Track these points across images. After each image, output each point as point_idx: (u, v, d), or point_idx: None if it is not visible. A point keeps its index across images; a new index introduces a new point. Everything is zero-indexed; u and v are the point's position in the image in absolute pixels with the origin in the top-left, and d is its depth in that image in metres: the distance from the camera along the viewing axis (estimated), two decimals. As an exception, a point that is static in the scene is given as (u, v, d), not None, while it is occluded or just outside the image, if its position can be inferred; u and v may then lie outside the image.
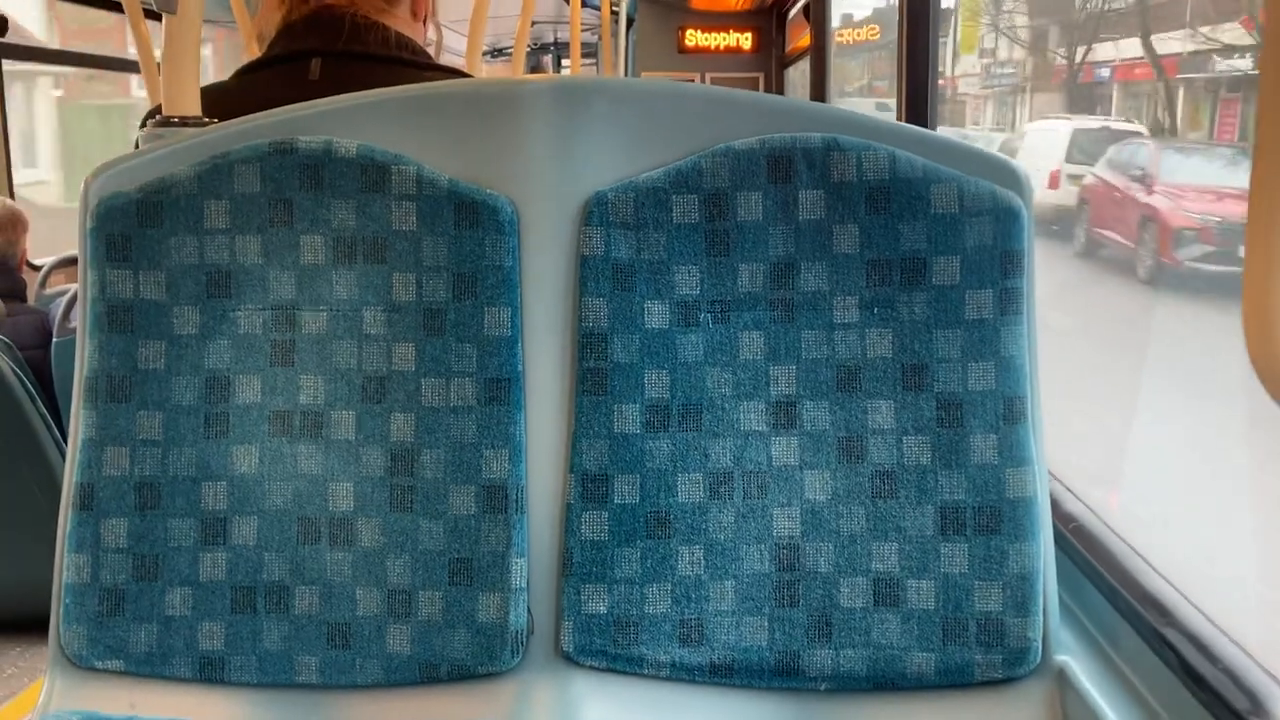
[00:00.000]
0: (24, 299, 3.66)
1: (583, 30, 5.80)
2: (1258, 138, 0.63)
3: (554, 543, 1.08)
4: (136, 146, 1.24)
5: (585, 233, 1.07)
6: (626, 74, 7.16)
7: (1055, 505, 1.30)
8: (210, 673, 1.09)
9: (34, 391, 2.78)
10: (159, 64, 1.30)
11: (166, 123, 1.19)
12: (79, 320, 1.10)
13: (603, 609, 1.07)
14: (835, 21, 4.92)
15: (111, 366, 1.08)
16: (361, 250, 1.08)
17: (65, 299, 3.20)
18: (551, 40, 10.33)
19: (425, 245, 1.07)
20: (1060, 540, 1.26)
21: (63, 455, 2.81)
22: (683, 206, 1.07)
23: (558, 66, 11.10)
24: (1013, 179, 1.07)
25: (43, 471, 2.78)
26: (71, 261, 4.50)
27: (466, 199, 1.06)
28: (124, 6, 3.34)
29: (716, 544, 1.07)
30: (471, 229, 1.06)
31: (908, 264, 1.06)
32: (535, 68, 11.01)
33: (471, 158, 1.08)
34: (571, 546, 1.07)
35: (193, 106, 1.21)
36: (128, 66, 4.95)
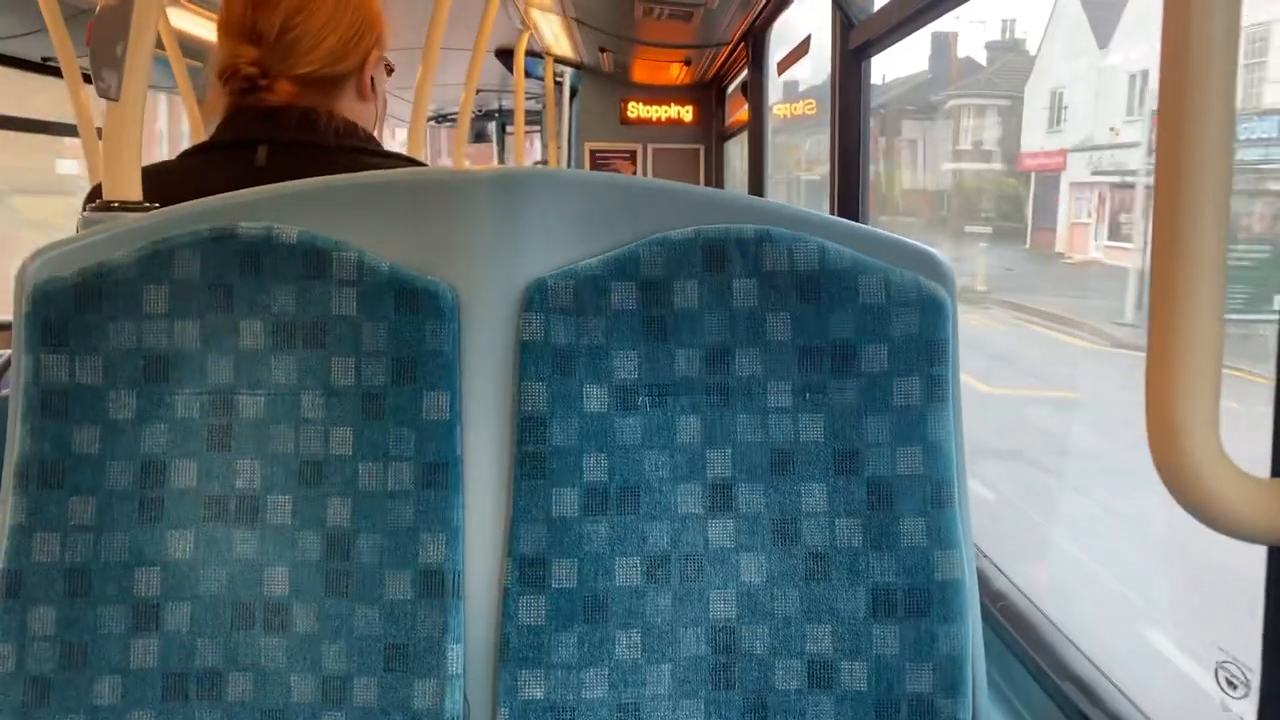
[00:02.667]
0: (-49, 365, 3.58)
1: (527, 99, 5.88)
2: (1153, 241, 0.66)
3: (490, 628, 1.08)
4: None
5: (525, 318, 1.08)
6: (570, 143, 7.25)
7: (985, 584, 1.33)
8: None
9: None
10: (98, 129, 1.30)
11: (106, 207, 1.20)
12: (11, 406, 1.09)
13: (539, 694, 1.07)
14: (777, 94, 5.05)
15: (44, 452, 1.07)
16: (301, 335, 1.09)
17: None
18: (496, 108, 10.42)
19: (365, 330, 1.08)
20: (989, 619, 1.28)
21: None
22: (621, 293, 1.09)
23: (502, 133, 11.19)
24: (937, 271, 1.11)
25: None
26: (5, 327, 4.41)
27: (407, 285, 1.08)
28: (64, 73, 3.32)
29: (654, 627, 1.08)
30: (412, 314, 1.08)
31: (838, 351, 1.10)
32: (480, 134, 11.08)
33: (413, 245, 1.09)
34: (508, 632, 1.07)
35: (134, 191, 1.22)
36: (66, 131, 4.91)
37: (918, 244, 1.12)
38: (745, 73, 4.87)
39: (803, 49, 4.07)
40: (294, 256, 1.08)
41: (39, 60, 4.46)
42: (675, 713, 1.08)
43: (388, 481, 1.08)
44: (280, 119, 1.46)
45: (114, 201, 1.20)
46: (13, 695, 1.05)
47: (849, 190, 2.35)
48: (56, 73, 4.28)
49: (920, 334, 1.09)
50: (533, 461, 1.08)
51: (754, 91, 4.69)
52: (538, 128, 9.83)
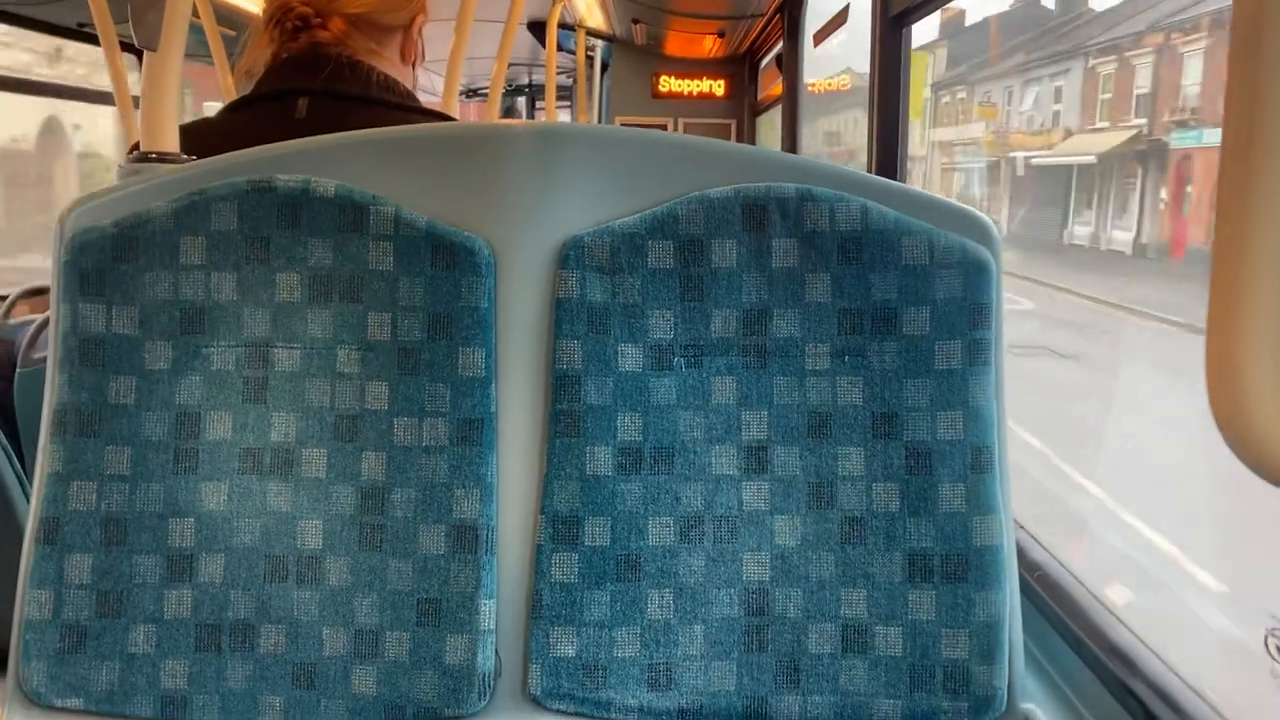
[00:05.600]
0: (-13, 329, 3.62)
1: (558, 74, 5.85)
2: (1218, 188, 0.64)
3: (523, 584, 1.08)
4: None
5: (561, 275, 1.08)
6: (600, 118, 7.22)
7: (1021, 554, 1.32)
8: (172, 712, 1.07)
9: (-6, 423, 2.73)
10: (135, 98, 1.30)
11: (144, 158, 1.19)
12: (50, 353, 1.09)
13: (571, 652, 1.07)
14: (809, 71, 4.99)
15: (81, 401, 1.07)
16: (337, 289, 1.08)
17: (31, 329, 3.17)
18: (527, 82, 10.39)
19: (401, 285, 1.08)
20: (1026, 589, 1.27)
21: (23, 487, 2.76)
22: (658, 252, 1.08)
23: (532, 108, 11.15)
24: (983, 233, 1.09)
25: (1, 505, 2.72)
26: (37, 292, 4.44)
27: (444, 240, 1.07)
28: (100, 39, 3.33)
29: (686, 588, 1.07)
30: (448, 270, 1.07)
31: (879, 313, 1.08)
32: (510, 109, 11.04)
33: (450, 200, 1.08)
34: (541, 588, 1.07)
35: (171, 143, 1.22)
36: (102, 99, 4.94)
37: (963, 205, 1.10)
38: (780, 45, 4.82)
39: (840, 19, 4.02)
40: (331, 210, 1.07)
41: (75, 26, 4.48)
42: (707, 674, 1.07)
43: (422, 437, 1.07)
44: (324, 64, 1.47)
45: (151, 153, 1.20)
46: (49, 641, 1.06)
47: (888, 157, 2.36)
48: (92, 39, 4.29)
49: (964, 297, 1.07)
50: (567, 419, 1.07)
51: (789, 64, 4.64)
52: (567, 103, 9.79)
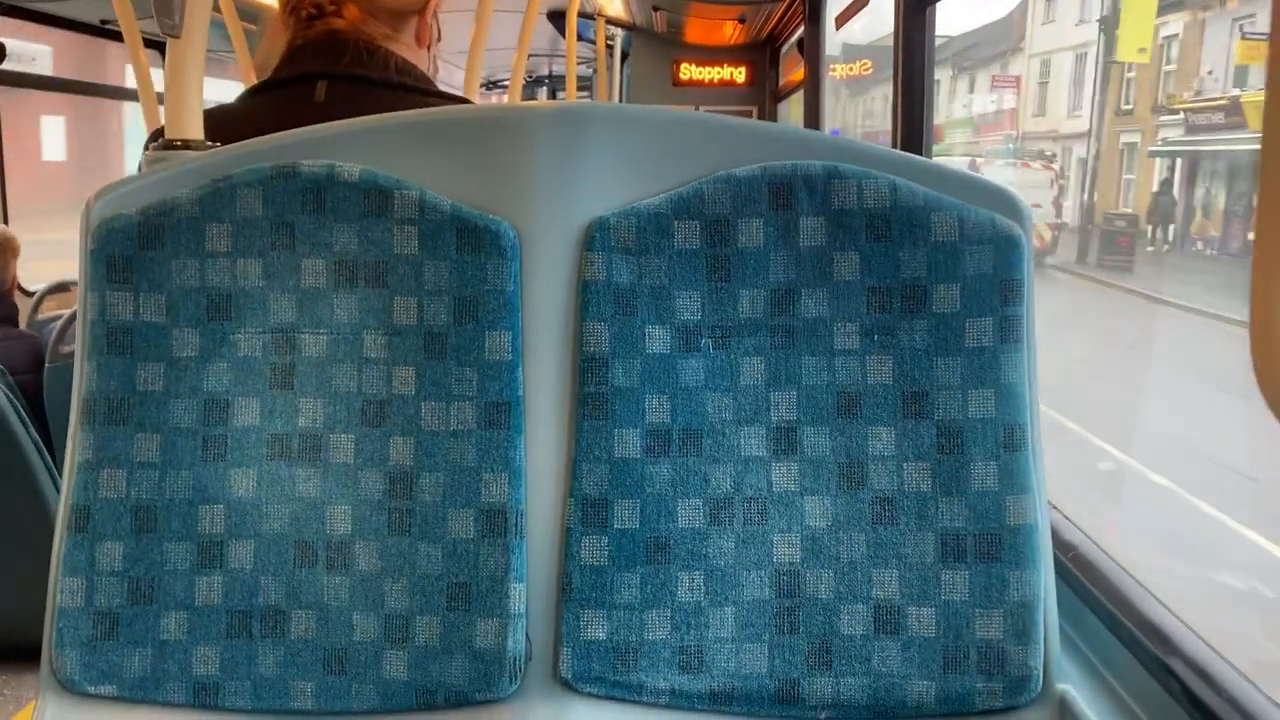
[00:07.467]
0: (15, 324, 3.66)
1: (578, 63, 5.85)
2: (1263, 144, 0.63)
3: (553, 568, 1.08)
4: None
5: (587, 257, 1.07)
6: None
7: (1055, 534, 1.30)
8: (204, 698, 1.07)
9: (26, 417, 2.77)
10: (159, 93, 1.31)
11: (169, 146, 1.20)
12: (78, 342, 1.09)
13: (602, 635, 1.06)
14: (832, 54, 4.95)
15: (110, 388, 1.07)
16: (363, 274, 1.08)
17: (59, 324, 3.20)
18: (547, 73, 10.40)
19: (427, 269, 1.07)
20: (1060, 569, 1.25)
21: (53, 481, 2.79)
22: (684, 232, 1.07)
23: (553, 99, 11.15)
24: (1013, 208, 1.07)
25: (32, 498, 2.76)
26: (64, 287, 4.49)
27: (469, 223, 1.06)
28: (124, 34, 3.35)
29: (716, 570, 1.07)
30: (473, 253, 1.06)
31: (908, 291, 1.07)
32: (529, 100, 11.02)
33: (474, 183, 1.08)
34: (571, 572, 1.06)
35: (195, 130, 1.22)
36: (126, 95, 4.98)
37: (992, 181, 1.09)
38: (801, 29, 4.79)
39: (863, 0, 3.99)
40: (356, 195, 1.07)
41: (97, 23, 4.51)
42: (738, 656, 1.06)
43: (450, 421, 1.07)
44: (342, 49, 1.48)
45: (176, 140, 1.20)
46: (82, 628, 1.07)
47: (914, 126, 2.34)
48: (115, 35, 4.32)
49: (995, 273, 1.06)
50: (595, 402, 1.07)
51: (810, 48, 4.61)
52: (588, 93, 9.78)
